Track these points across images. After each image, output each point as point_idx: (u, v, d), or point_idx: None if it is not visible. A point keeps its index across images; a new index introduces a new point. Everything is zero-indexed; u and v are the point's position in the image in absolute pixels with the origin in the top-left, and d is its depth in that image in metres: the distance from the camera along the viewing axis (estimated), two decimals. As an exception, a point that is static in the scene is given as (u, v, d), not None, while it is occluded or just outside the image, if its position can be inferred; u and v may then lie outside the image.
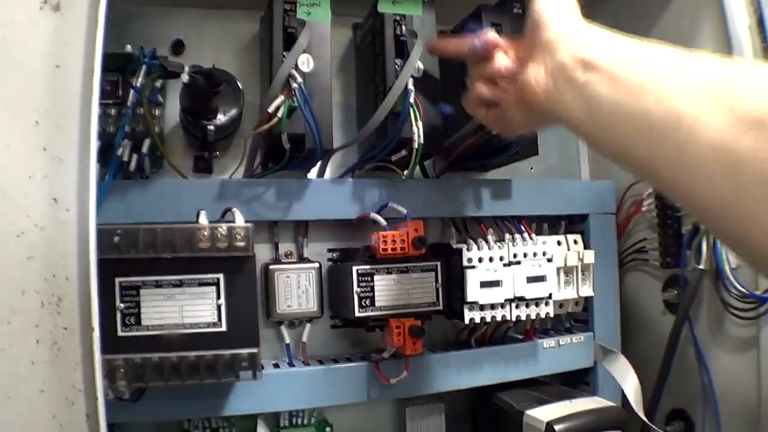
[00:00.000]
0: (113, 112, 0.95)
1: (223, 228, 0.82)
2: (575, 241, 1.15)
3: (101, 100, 0.93)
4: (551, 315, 1.08)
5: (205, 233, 0.82)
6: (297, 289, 0.99)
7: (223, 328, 0.84)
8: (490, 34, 0.85)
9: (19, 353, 0.65)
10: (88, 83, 0.69)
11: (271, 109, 0.88)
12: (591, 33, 0.70)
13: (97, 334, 0.66)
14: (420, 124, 0.95)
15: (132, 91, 0.92)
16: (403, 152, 0.99)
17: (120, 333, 0.82)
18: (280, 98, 0.88)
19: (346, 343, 1.10)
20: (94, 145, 0.68)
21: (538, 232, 1.14)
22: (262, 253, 1.04)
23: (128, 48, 0.96)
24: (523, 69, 0.76)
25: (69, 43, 0.70)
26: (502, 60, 0.82)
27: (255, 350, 0.84)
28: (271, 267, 0.99)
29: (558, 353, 1.14)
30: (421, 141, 0.95)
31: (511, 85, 0.80)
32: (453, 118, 1.04)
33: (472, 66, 0.88)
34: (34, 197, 0.66)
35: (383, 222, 0.97)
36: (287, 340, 1.02)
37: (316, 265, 1.01)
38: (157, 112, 0.99)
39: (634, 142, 0.61)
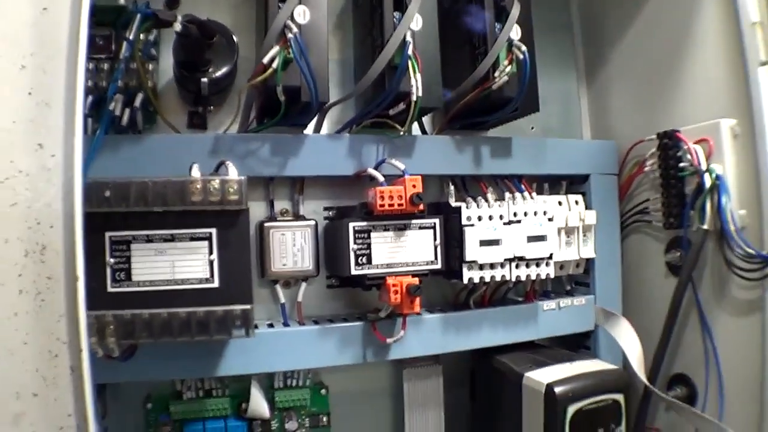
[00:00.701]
0: (106, 66, 0.92)
1: (215, 181, 0.80)
2: (576, 202, 1.12)
3: (93, 54, 0.92)
4: (552, 276, 1.05)
5: (198, 186, 0.79)
6: (292, 247, 0.96)
7: (216, 284, 0.82)
8: None
9: (0, 303, 0.63)
10: (76, 26, 0.66)
11: (265, 60, 0.84)
12: None
13: (81, 283, 0.63)
14: (419, 76, 0.91)
15: (125, 44, 0.89)
16: (402, 106, 0.95)
17: (110, 289, 0.79)
18: (276, 49, 0.85)
19: (342, 303, 1.07)
20: (81, 89, 0.65)
21: (539, 192, 1.11)
22: (257, 210, 1.01)
23: (121, 1, 0.93)
24: None
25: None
26: None
27: (248, 307, 0.81)
28: (265, 224, 0.96)
29: (558, 316, 1.11)
30: (420, 94, 0.91)
31: None
32: (452, 72, 1.01)
33: None
34: (19, 142, 0.64)
35: (381, 178, 0.93)
36: (282, 300, 0.99)
37: (312, 222, 0.98)
38: (150, 66, 0.96)
39: None
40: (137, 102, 0.91)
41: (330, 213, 1.05)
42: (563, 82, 1.29)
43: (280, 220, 0.99)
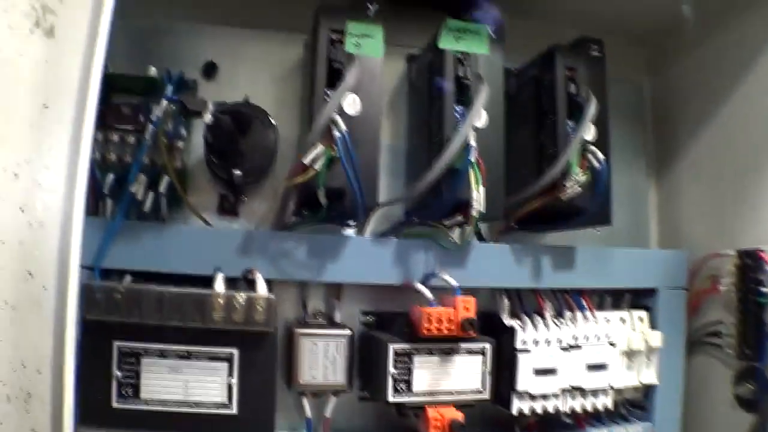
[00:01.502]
0: (132, 140, 0.83)
1: (241, 297, 0.69)
2: (641, 319, 0.99)
3: (119, 125, 0.81)
4: (610, 406, 0.93)
5: (220, 301, 0.69)
6: (324, 358, 0.83)
7: (234, 410, 0.71)
8: None
9: (-24, 454, 0.52)
10: (78, 132, 0.55)
11: (307, 160, 0.73)
12: None
13: (69, 445, 0.52)
14: (481, 188, 0.79)
15: (150, 126, 0.79)
16: (459, 217, 0.83)
17: (115, 404, 0.69)
18: (320, 148, 0.73)
19: (373, 418, 0.94)
20: (80, 208, 0.54)
21: (600, 307, 0.98)
22: (288, 309, 0.89)
23: (152, 70, 0.83)
24: None
25: (61, 77, 0.56)
26: None
27: (268, 441, 0.70)
28: (296, 330, 0.83)
29: (611, 445, 0.98)
30: (482, 208, 0.79)
31: None
32: (516, 171, 0.89)
33: None
34: (7, 268, 0.53)
35: (430, 296, 0.81)
36: (308, 414, 0.86)
37: (348, 332, 0.85)
38: (180, 144, 0.85)
39: None
40: (162, 187, 0.80)
41: (368, 318, 0.92)
42: (631, 176, 1.14)
43: (312, 325, 0.87)
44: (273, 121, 0.83)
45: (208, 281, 0.73)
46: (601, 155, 0.84)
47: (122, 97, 0.84)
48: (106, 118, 0.84)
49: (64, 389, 0.52)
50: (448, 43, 0.84)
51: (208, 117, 0.72)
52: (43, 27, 0.56)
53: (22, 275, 0.53)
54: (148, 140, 0.80)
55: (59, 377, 0.52)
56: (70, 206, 0.54)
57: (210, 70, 0.93)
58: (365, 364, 0.88)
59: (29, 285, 0.53)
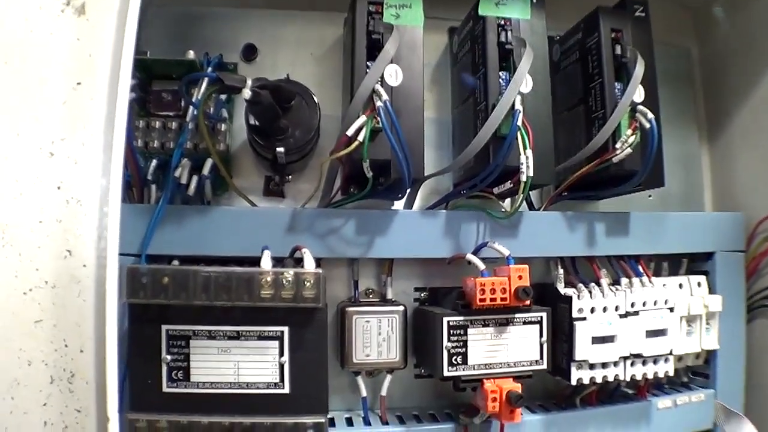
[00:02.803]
0: (174, 125, 0.80)
1: (289, 274, 0.66)
2: (699, 284, 0.94)
3: (160, 111, 0.79)
4: (671, 373, 0.88)
5: (268, 279, 0.66)
6: (377, 336, 0.80)
7: (286, 390, 0.68)
8: None
9: (22, 436, 0.50)
10: (113, 107, 0.52)
11: (350, 132, 0.69)
12: None
13: (114, 424, 0.50)
14: (529, 152, 0.75)
15: (190, 107, 0.76)
16: (509, 184, 0.80)
17: (165, 389, 0.66)
18: (362, 119, 0.70)
19: (430, 394, 0.91)
20: (118, 184, 0.51)
21: (657, 273, 0.93)
22: (339, 289, 0.87)
23: (191, 54, 0.81)
24: None
25: (93, 54, 0.54)
26: None
27: (322, 419, 0.67)
28: (348, 309, 0.80)
29: (674, 414, 0.92)
30: (531, 174, 0.75)
31: None
32: (565, 138, 0.86)
33: None
34: (45, 246, 0.50)
35: (481, 266, 0.77)
36: (363, 393, 0.83)
37: (401, 308, 0.82)
38: (223, 127, 0.82)
39: None
40: (206, 170, 0.78)
41: (421, 295, 0.89)
42: (683, 142, 1.09)
43: (364, 303, 0.84)
44: (315, 97, 0.80)
45: (255, 263, 0.70)
46: (650, 114, 0.80)
47: (163, 83, 0.82)
48: (147, 105, 0.82)
49: (107, 367, 0.49)
50: (488, 9, 0.80)
51: (246, 93, 0.69)
52: (74, 5, 0.54)
53: (60, 253, 0.51)
54: (189, 123, 0.77)
55: (102, 355, 0.50)
56: (107, 182, 0.52)
57: (249, 53, 0.90)
58: (419, 340, 0.85)
59: (68, 263, 0.51)
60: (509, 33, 0.80)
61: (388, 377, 0.83)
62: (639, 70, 0.81)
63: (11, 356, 0.50)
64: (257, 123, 0.76)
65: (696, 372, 0.99)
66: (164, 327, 0.66)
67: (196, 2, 0.91)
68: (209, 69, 0.81)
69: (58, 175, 0.51)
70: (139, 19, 0.54)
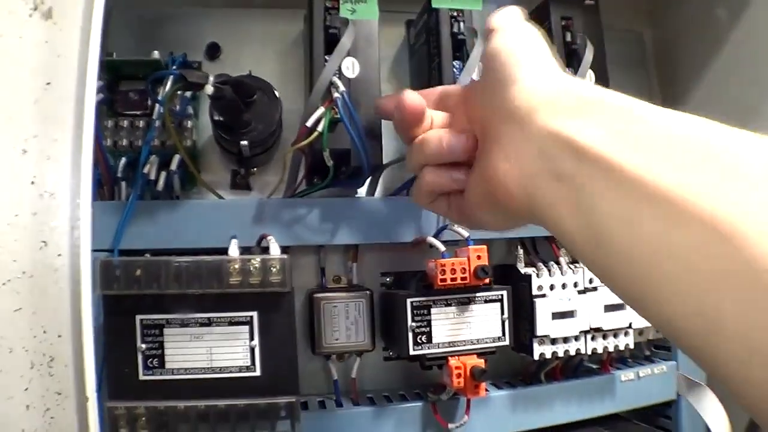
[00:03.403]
0: (141, 124, 0.84)
1: (255, 260, 0.69)
2: (656, 259, 0.99)
3: (127, 111, 0.83)
4: (631, 346, 0.92)
5: (236, 266, 0.69)
6: (345, 320, 0.84)
7: (257, 372, 0.71)
8: (409, 97, 0.61)
9: (7, 420, 0.53)
10: (81, 104, 0.56)
11: (309, 123, 0.73)
12: (582, 95, 0.46)
13: (93, 403, 0.53)
14: (483, 136, 0.79)
15: (156, 105, 0.80)
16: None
17: (142, 377, 0.69)
18: (321, 110, 0.73)
19: (399, 375, 0.95)
20: (88, 176, 0.54)
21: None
22: (307, 278, 0.90)
23: (155, 54, 0.84)
24: (482, 147, 0.54)
25: (61, 56, 0.57)
26: (442, 138, 0.58)
27: (294, 399, 0.70)
28: (316, 296, 0.84)
29: (637, 386, 0.97)
30: (485, 156, 0.79)
31: (467, 170, 0.58)
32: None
33: (408, 144, 0.64)
34: (22, 239, 0.54)
35: (442, 247, 0.81)
36: (335, 376, 0.87)
37: (367, 293, 0.85)
38: (189, 123, 0.86)
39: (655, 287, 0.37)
40: (173, 165, 0.81)
41: (387, 279, 0.93)
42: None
43: (331, 290, 0.88)
44: (276, 91, 0.84)
45: (225, 253, 0.73)
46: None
47: (129, 84, 0.86)
48: (115, 105, 0.85)
49: (83, 350, 0.53)
50: (441, 1, 0.84)
51: (209, 88, 0.72)
52: (41, 10, 0.57)
53: (36, 245, 0.54)
54: (156, 121, 0.80)
55: (79, 339, 0.53)
56: (78, 174, 0.55)
57: (213, 52, 0.94)
58: (386, 323, 0.89)
59: (44, 253, 0.54)
60: (462, 24, 0.84)
61: (358, 360, 0.87)
62: (588, 55, 0.86)
63: (-7, 345, 0.53)
64: (221, 118, 0.80)
65: (658, 346, 1.04)
66: (138, 317, 0.69)
67: (159, 3, 0.94)
68: (173, 68, 0.84)
69: (32, 171, 0.54)
70: (105, 21, 0.58)
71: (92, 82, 0.56)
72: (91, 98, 0.55)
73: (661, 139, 0.38)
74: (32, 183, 0.54)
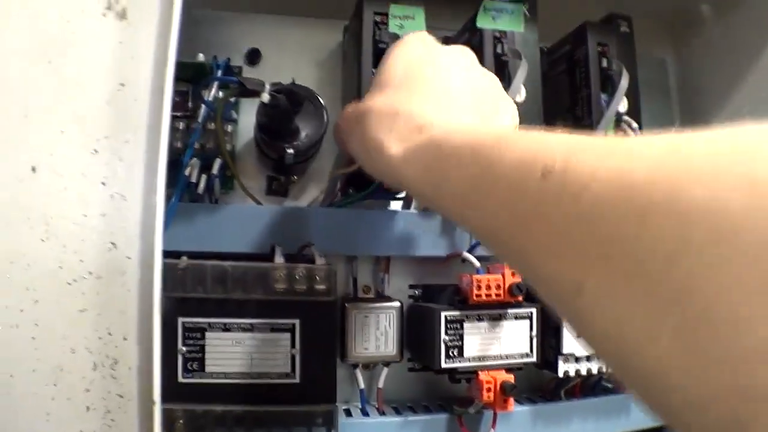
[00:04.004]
0: (182, 125, 0.83)
1: (301, 268, 0.69)
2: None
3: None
4: (649, 366, 0.93)
5: (282, 273, 0.69)
6: (375, 330, 0.84)
7: (297, 379, 0.71)
8: None
9: (65, 421, 0.52)
10: (157, 107, 0.55)
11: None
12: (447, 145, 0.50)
13: (158, 407, 0.52)
14: (522, 159, 0.79)
15: (203, 107, 0.79)
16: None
17: (181, 379, 0.69)
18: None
19: (423, 387, 0.95)
20: (162, 180, 0.54)
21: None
22: (338, 287, 0.89)
23: (200, 57, 0.83)
24: None
25: (136, 57, 0.56)
26: None
27: (332, 407, 0.71)
28: (347, 305, 0.84)
29: (651, 406, 0.97)
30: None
31: None
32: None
33: None
34: (89, 239, 0.53)
35: (477, 263, 0.81)
36: (361, 385, 0.87)
37: (398, 304, 0.85)
38: (229, 128, 0.85)
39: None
40: (215, 169, 0.80)
41: (416, 292, 0.93)
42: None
43: (362, 300, 0.88)
44: (322, 101, 0.83)
45: (261, 259, 0.73)
46: (635, 124, 0.85)
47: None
48: (156, 106, 0.84)
49: (152, 352, 0.52)
50: (485, 22, 0.84)
51: (266, 96, 0.72)
52: (116, 10, 0.56)
53: (105, 246, 0.53)
54: (200, 124, 0.80)
55: (147, 341, 0.52)
56: (151, 177, 0.54)
57: (254, 57, 0.93)
58: (415, 334, 0.88)
59: (113, 255, 0.53)
60: (504, 45, 0.84)
61: (385, 370, 0.87)
62: (624, 82, 0.86)
63: (54, 344, 0.52)
64: (270, 125, 0.79)
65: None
66: (180, 319, 0.69)
67: (200, 5, 0.93)
68: (219, 72, 0.84)
69: (103, 172, 0.53)
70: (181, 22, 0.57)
71: (169, 84, 0.55)
72: (168, 101, 0.55)
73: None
74: (103, 184, 0.54)
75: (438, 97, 0.54)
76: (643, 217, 0.29)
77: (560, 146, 0.35)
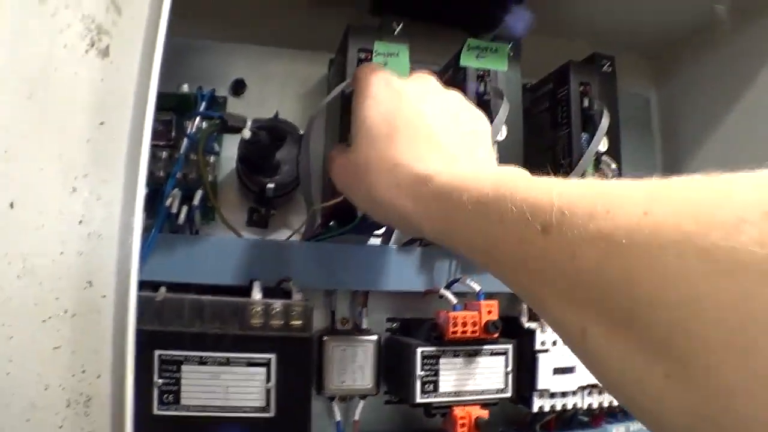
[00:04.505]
0: (164, 155, 0.83)
1: (278, 304, 0.70)
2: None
3: (152, 141, 0.82)
4: (625, 402, 0.93)
5: (258, 309, 0.69)
6: (352, 363, 0.84)
7: (271, 413, 0.71)
8: None
9: (37, 457, 0.52)
10: (136, 146, 0.55)
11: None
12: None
13: (129, 446, 0.53)
14: (501, 198, 0.79)
15: (185, 139, 0.79)
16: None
17: (156, 411, 0.69)
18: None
19: (399, 420, 0.95)
20: (139, 220, 0.54)
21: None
22: (316, 319, 0.89)
23: (185, 87, 0.84)
24: None
25: (117, 95, 0.56)
26: None
27: (306, 441, 0.71)
28: (325, 338, 0.84)
29: (626, 440, 0.98)
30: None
31: None
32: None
33: None
34: (66, 277, 0.53)
35: (454, 300, 0.82)
36: (338, 418, 0.87)
37: (375, 338, 0.86)
38: (212, 159, 0.85)
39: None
40: (196, 200, 0.81)
41: (393, 325, 0.94)
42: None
43: (340, 333, 0.88)
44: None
45: (239, 291, 0.73)
46: (614, 164, 0.85)
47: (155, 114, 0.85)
48: (139, 135, 0.84)
49: (125, 391, 0.52)
50: (469, 60, 0.85)
51: (246, 133, 0.72)
52: (98, 47, 0.56)
53: (81, 285, 0.53)
54: (182, 155, 0.80)
55: (120, 380, 0.53)
56: (128, 217, 0.55)
57: (239, 88, 0.93)
58: (391, 368, 0.89)
59: (89, 294, 0.53)
60: (488, 84, 0.84)
61: (361, 403, 0.87)
62: (605, 122, 0.86)
63: (29, 381, 0.52)
64: (251, 159, 0.79)
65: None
66: (157, 352, 0.69)
67: (185, 35, 0.93)
68: (203, 103, 0.84)
69: (81, 210, 0.54)
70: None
71: (149, 125, 0.55)
72: (147, 142, 0.55)
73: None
74: (80, 222, 0.54)
75: (429, 143, 0.56)
76: (629, 273, 0.32)
77: (553, 202, 0.38)
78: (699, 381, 0.29)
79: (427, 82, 0.63)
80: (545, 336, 0.88)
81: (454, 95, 0.63)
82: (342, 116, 0.89)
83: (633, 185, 0.36)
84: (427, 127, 0.57)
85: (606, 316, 0.34)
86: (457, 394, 0.82)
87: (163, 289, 0.74)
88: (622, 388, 0.35)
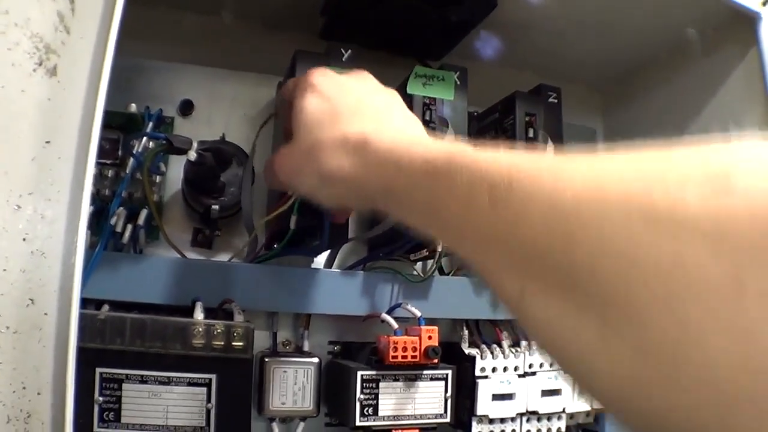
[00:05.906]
0: (110, 173, 0.84)
1: (220, 325, 0.71)
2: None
3: (98, 159, 0.83)
4: (563, 430, 0.96)
5: (200, 329, 0.71)
6: (293, 385, 0.86)
7: (211, 433, 0.72)
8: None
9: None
10: (81, 165, 0.57)
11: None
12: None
13: (68, 462, 0.54)
14: (446, 224, 0.82)
15: (132, 159, 0.81)
16: (424, 252, 0.87)
17: (96, 429, 0.70)
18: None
19: (340, 443, 0.97)
20: (82, 239, 0.56)
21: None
22: (258, 340, 0.90)
23: (132, 107, 0.85)
24: None
25: (63, 115, 0.58)
26: None
27: (244, 462, 0.72)
28: (266, 359, 0.85)
29: (566, 468, 1.01)
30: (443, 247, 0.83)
31: None
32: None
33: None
34: (8, 295, 0.54)
35: (395, 325, 0.85)
36: (278, 439, 0.89)
37: (316, 360, 0.87)
38: (158, 179, 0.87)
39: None
40: (141, 219, 0.82)
41: (335, 348, 0.96)
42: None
43: (282, 354, 0.90)
44: (249, 157, 0.86)
45: (182, 311, 0.75)
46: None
47: (102, 132, 0.86)
48: (85, 152, 0.85)
49: (66, 408, 0.53)
50: (416, 88, 0.87)
51: (192, 155, 0.74)
52: (46, 66, 0.58)
53: (23, 302, 0.55)
54: (128, 174, 0.81)
55: (61, 397, 0.54)
56: (72, 236, 0.56)
57: (186, 108, 0.95)
58: (332, 391, 0.91)
59: (30, 311, 0.55)
60: (433, 112, 0.87)
61: (302, 425, 0.89)
62: (549, 152, 0.89)
63: (-32, 395, 0.53)
64: (196, 181, 0.81)
65: (586, 429, 1.07)
66: (98, 369, 0.70)
67: (135, 54, 0.94)
68: (150, 123, 0.85)
69: (25, 228, 0.55)
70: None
71: (95, 145, 0.57)
72: (92, 162, 0.57)
73: None
74: (24, 240, 0.55)
75: (375, 116, 0.59)
76: (571, 236, 0.34)
77: (502, 173, 0.39)
78: (633, 338, 0.31)
79: (365, 76, 0.67)
80: (485, 362, 0.91)
81: (392, 92, 0.66)
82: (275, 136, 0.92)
83: (581, 157, 0.38)
84: (371, 107, 0.60)
85: (544, 275, 0.36)
86: (396, 417, 0.84)
87: (105, 307, 0.75)
88: (559, 348, 0.37)
